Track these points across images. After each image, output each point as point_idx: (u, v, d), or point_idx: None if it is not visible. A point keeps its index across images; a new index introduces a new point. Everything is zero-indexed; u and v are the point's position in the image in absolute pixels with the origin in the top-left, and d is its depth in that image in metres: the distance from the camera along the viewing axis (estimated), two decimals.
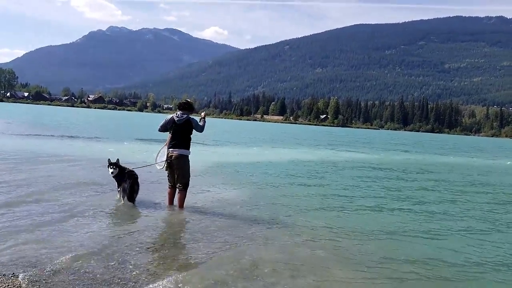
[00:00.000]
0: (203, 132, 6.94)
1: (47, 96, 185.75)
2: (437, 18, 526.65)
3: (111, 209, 6.46)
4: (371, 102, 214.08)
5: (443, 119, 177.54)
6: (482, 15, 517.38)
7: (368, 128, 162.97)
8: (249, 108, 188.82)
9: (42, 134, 20.87)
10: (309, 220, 6.65)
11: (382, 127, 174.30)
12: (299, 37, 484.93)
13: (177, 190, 6.78)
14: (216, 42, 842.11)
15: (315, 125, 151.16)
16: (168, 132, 6.77)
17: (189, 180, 6.79)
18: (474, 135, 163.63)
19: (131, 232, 5.36)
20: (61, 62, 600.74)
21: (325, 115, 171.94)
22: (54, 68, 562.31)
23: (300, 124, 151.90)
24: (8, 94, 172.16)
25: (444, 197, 10.12)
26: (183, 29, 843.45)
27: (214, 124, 69.27)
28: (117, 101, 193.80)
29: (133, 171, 6.87)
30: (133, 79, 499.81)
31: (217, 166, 13.10)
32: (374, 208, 8.17)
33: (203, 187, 8.88)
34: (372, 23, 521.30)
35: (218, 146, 22.07)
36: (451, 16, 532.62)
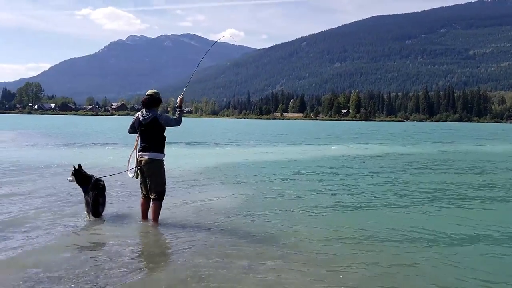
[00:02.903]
0: (179, 126, 5.71)
1: (73, 106, 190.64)
2: (458, 4, 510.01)
3: (68, 227, 5.36)
4: (394, 93, 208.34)
5: (471, 107, 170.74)
6: None
7: (393, 120, 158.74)
8: (268, 107, 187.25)
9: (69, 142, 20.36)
10: (307, 233, 5.40)
11: (407, 119, 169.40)
12: (316, 33, 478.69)
13: (151, 200, 5.67)
14: (232, 44, 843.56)
15: (336, 120, 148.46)
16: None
17: (164, 188, 5.66)
18: (505, 122, 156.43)
19: (79, 257, 4.26)
20: (85, 72, 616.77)
21: (346, 110, 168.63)
22: (79, 79, 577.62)
23: (320, 120, 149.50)
24: (36, 106, 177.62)
25: None
26: (199, 33, 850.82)
27: (222, 124, 68.40)
28: (139, 108, 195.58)
29: (100, 180, 5.77)
30: (154, 85, 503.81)
31: (215, 168, 11.93)
32: (387, 213, 6.81)
33: (191, 194, 7.75)
34: (390, 14, 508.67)
35: (221, 146, 20.93)
36: (472, 1, 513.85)
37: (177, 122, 5.62)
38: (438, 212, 6.74)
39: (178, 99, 5.83)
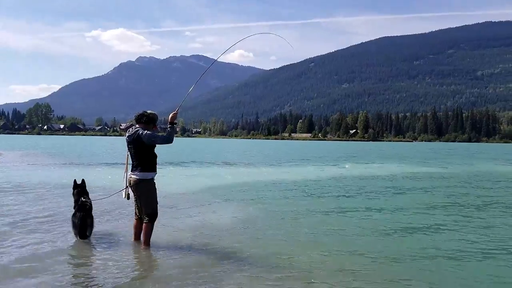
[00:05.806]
0: (171, 143, 5.21)
1: (81, 127, 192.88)
2: (465, 25, 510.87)
3: (52, 251, 5.07)
4: (402, 114, 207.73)
5: (480, 128, 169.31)
6: None
7: (401, 140, 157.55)
8: (276, 127, 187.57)
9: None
10: (305, 260, 5.07)
11: (415, 139, 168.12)
12: (324, 54, 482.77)
13: (143, 222, 5.40)
14: (241, 65, 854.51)
15: (344, 140, 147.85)
16: None
17: (155, 209, 5.34)
18: None
19: (60, 280, 3.98)
20: (95, 93, 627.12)
21: (354, 130, 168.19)
22: (88, 100, 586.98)
23: (329, 140, 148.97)
24: (45, 127, 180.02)
25: None
26: (208, 55, 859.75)
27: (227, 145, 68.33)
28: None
29: (87, 201, 5.52)
30: (163, 106, 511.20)
31: (219, 187, 11.64)
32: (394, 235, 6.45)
33: (191, 213, 7.46)
34: (397, 35, 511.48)
35: (229, 166, 20.67)
36: (480, 22, 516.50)
37: (165, 139, 5.11)
38: None
39: (170, 115, 5.34)
